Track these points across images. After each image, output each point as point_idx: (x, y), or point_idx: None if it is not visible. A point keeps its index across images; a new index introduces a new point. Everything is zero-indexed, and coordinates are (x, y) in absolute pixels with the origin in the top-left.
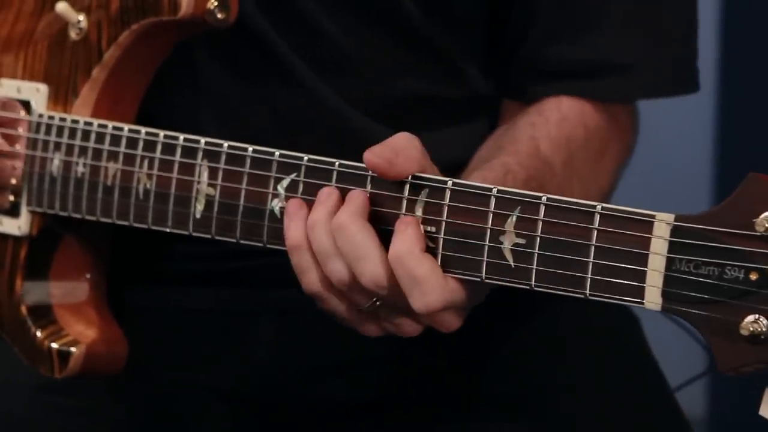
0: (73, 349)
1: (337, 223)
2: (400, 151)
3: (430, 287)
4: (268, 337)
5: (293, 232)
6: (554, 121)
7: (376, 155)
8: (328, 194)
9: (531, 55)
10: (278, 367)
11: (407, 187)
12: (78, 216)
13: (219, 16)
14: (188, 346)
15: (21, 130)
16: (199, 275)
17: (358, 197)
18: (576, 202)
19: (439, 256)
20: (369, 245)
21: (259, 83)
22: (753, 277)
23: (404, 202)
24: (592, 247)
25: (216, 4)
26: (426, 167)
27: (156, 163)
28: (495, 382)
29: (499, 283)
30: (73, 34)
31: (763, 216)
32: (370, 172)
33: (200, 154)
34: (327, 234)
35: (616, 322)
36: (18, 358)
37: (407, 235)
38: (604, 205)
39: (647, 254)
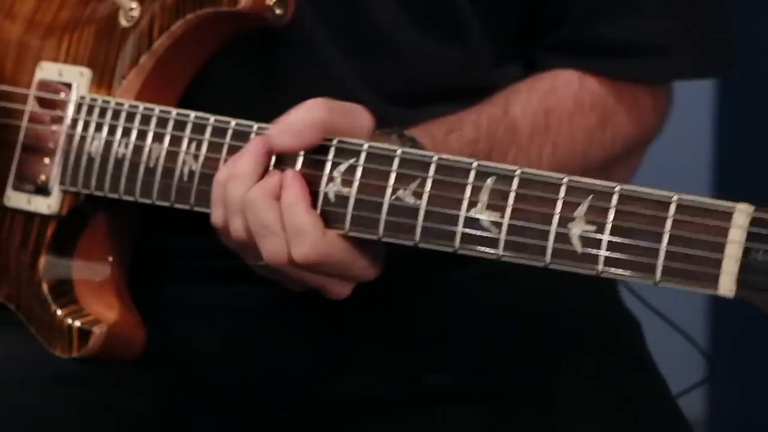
0: (94, 328)
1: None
2: (296, 126)
3: (311, 239)
4: (275, 333)
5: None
6: (541, 91)
7: (277, 140)
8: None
9: (567, 36)
10: (286, 363)
11: (473, 173)
12: (115, 196)
13: (277, 12)
14: (198, 341)
15: (61, 111)
16: (209, 272)
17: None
18: (651, 193)
19: (501, 242)
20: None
21: (287, 68)
22: None
23: (469, 189)
24: (666, 235)
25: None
26: (331, 125)
27: (204, 146)
28: (496, 384)
29: (564, 268)
30: (123, 21)
31: None
32: (434, 158)
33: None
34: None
35: (617, 325)
36: (32, 349)
37: (295, 189)
38: (682, 196)
39: (724, 242)
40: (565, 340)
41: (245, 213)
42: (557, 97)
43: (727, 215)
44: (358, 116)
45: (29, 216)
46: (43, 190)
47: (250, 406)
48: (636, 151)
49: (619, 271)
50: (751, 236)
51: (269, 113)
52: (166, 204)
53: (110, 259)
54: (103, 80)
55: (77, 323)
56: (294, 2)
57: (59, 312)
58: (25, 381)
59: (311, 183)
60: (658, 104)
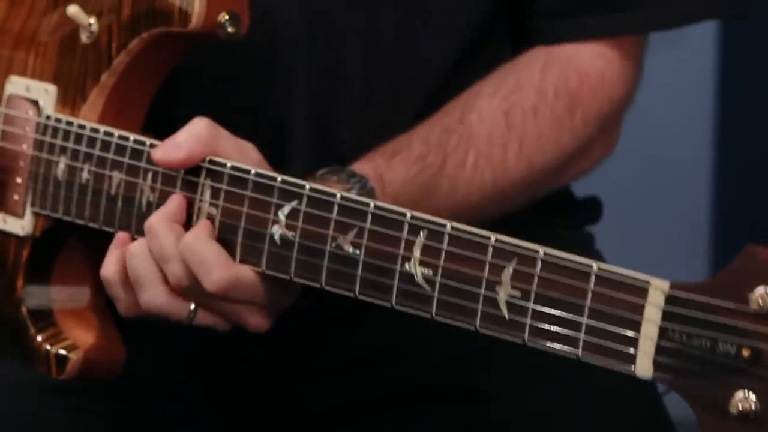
0: (70, 354)
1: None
2: (182, 145)
3: (216, 266)
4: (264, 337)
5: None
6: (504, 92)
7: (161, 154)
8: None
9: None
10: (275, 367)
11: (406, 227)
12: (81, 222)
13: (229, 30)
14: (188, 348)
15: (28, 130)
16: None
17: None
18: (573, 260)
19: (435, 300)
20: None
21: (249, 81)
22: (745, 353)
23: (402, 243)
24: (586, 308)
25: (227, 17)
26: (215, 148)
27: (160, 178)
28: (483, 379)
29: (492, 333)
30: (84, 38)
31: (757, 292)
32: (371, 207)
33: (203, 173)
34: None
35: None
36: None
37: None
38: (601, 266)
39: (640, 321)
40: None
41: (172, 264)
42: (520, 94)
43: (643, 291)
44: (243, 144)
45: (7, 237)
46: (16, 211)
47: (240, 410)
48: (612, 127)
49: (546, 343)
50: (666, 315)
51: (239, 127)
52: (128, 233)
53: (89, 280)
54: (68, 98)
55: (54, 349)
56: (248, 18)
57: (38, 337)
58: (18, 389)
59: (258, 224)
60: (627, 75)
